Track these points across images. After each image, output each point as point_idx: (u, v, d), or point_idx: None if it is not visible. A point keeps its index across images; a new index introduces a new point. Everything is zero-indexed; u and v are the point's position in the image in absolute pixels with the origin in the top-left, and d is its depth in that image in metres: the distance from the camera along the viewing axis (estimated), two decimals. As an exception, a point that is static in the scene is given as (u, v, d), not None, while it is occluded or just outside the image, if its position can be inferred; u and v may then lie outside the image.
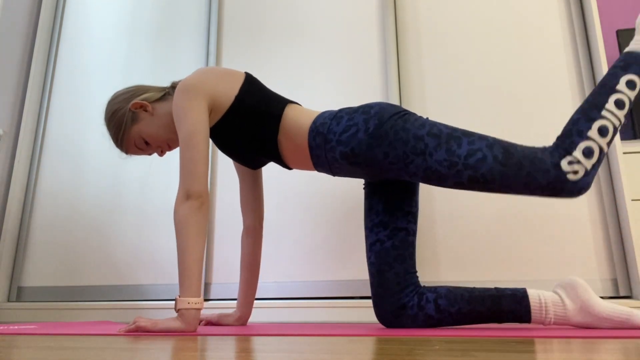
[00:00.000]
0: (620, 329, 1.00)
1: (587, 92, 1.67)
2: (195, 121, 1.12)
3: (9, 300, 1.99)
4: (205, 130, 1.13)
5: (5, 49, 2.13)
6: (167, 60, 2.11)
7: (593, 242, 1.56)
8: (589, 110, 1.02)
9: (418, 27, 1.87)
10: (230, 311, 1.53)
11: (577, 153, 0.99)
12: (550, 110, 1.69)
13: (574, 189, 0.99)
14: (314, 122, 1.18)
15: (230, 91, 1.18)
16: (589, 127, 1.00)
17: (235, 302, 1.66)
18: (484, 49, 1.79)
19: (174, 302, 1.56)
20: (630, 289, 1.49)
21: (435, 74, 1.81)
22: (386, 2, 1.88)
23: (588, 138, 1.00)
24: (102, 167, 2.05)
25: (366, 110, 1.15)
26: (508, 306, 1.06)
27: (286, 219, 1.79)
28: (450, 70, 1.80)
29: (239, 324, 1.35)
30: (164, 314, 1.73)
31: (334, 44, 1.92)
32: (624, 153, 1.69)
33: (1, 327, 1.28)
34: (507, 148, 1.02)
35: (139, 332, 1.02)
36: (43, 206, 2.07)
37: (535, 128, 1.68)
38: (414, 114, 1.14)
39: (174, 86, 1.30)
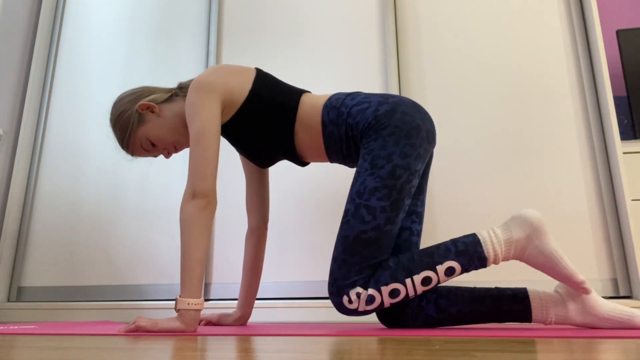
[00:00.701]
0: (621, 329, 1.00)
1: (587, 92, 1.67)
2: (207, 119, 1.12)
3: (9, 300, 1.98)
4: (217, 130, 1.13)
5: (5, 49, 2.13)
6: (167, 60, 2.10)
7: (593, 242, 1.56)
8: (400, 270, 1.04)
9: (418, 27, 1.87)
10: (230, 311, 1.53)
11: (363, 294, 1.03)
12: (550, 110, 1.69)
13: (336, 304, 1.05)
14: (329, 99, 1.21)
15: (244, 86, 1.19)
16: (386, 284, 1.03)
17: (236, 302, 1.67)
18: (484, 49, 1.79)
19: (174, 302, 1.55)
20: (630, 289, 1.49)
21: (435, 74, 1.81)
22: (386, 2, 1.88)
23: (379, 291, 1.03)
24: (102, 167, 2.05)
25: (385, 96, 1.18)
26: (509, 306, 1.06)
27: (287, 219, 1.79)
28: (450, 70, 1.80)
29: (239, 324, 1.35)
30: (164, 314, 1.73)
31: (334, 43, 1.92)
32: (624, 153, 1.68)
33: (1, 327, 1.28)
34: (373, 241, 1.04)
35: (139, 332, 1.01)
36: (43, 206, 2.07)
37: (535, 128, 1.68)
38: (428, 142, 1.14)
39: (180, 87, 1.29)
